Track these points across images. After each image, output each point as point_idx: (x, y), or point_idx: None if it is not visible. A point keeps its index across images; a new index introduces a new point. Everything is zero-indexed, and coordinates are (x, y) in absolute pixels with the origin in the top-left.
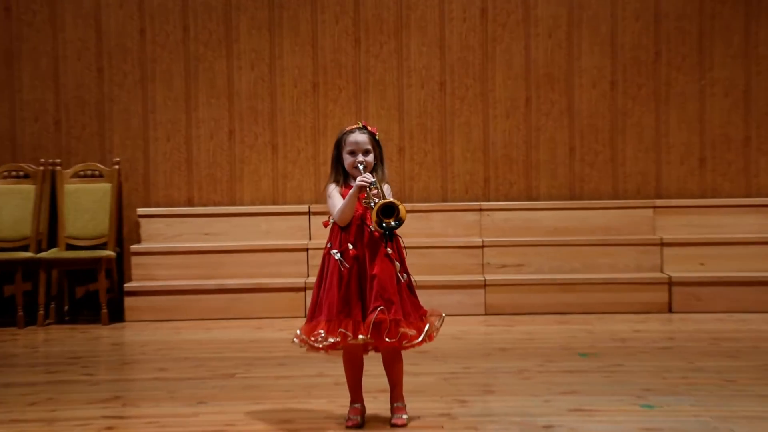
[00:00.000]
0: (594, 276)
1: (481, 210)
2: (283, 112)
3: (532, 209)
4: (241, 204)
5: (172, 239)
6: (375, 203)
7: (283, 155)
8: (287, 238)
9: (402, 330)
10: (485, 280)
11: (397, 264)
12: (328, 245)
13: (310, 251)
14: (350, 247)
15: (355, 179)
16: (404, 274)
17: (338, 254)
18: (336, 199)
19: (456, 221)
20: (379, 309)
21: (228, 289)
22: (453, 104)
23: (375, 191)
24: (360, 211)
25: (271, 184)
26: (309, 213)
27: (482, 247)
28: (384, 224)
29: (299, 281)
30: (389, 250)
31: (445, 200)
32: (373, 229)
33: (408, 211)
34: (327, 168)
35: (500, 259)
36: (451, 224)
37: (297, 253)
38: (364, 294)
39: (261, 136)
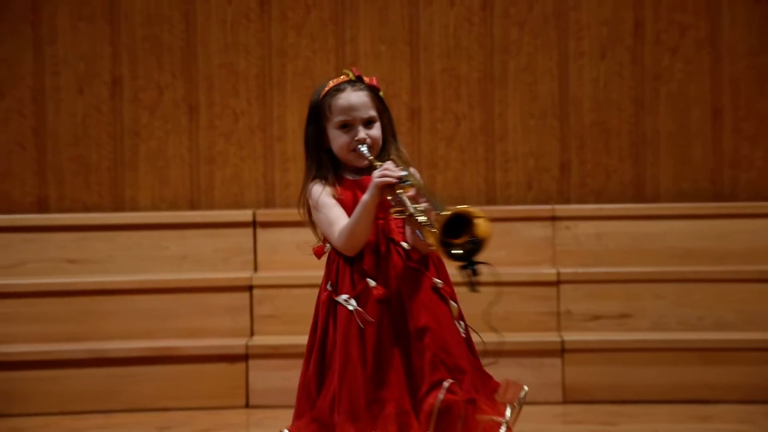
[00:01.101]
0: (761, 336)
1: (554, 219)
2: (207, 48)
3: (645, 217)
4: (134, 209)
5: (9, 271)
6: (422, 216)
7: (207, 123)
8: (216, 269)
9: (485, 418)
10: (563, 342)
11: (454, 305)
12: (328, 287)
13: (256, 291)
14: (372, 284)
15: (351, 170)
16: (461, 321)
17: (352, 301)
18: (332, 210)
19: (511, 239)
20: (445, 385)
21: (111, 359)
22: (506, 34)
23: (412, 191)
24: (381, 222)
25: (187, 175)
26: (254, 224)
27: (557, 283)
28: (456, 251)
29: (238, 344)
30: (439, 282)
31: (491, 202)
32: (426, 249)
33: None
34: (284, 145)
35: (589, 306)
36: (502, 244)
37: (233, 295)
38: (409, 361)
39: (169, 90)
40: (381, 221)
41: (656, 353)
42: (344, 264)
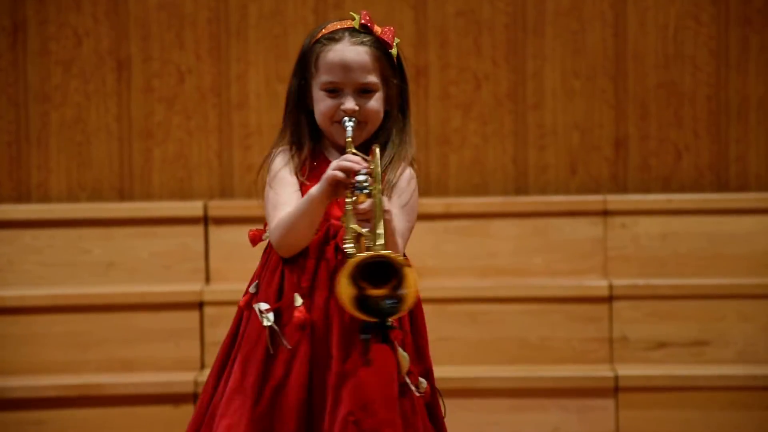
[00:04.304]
0: None
1: (606, 213)
2: None
3: (728, 212)
4: (44, 200)
5: None
6: (350, 243)
7: (143, 84)
8: (154, 280)
9: None
10: (617, 377)
11: (403, 355)
12: (252, 289)
13: (208, 309)
14: (299, 302)
15: (335, 147)
16: (419, 381)
17: (270, 315)
18: (285, 191)
19: (549, 240)
20: (349, 418)
21: (13, 402)
22: None
23: (366, 204)
24: (328, 226)
25: (114, 153)
26: (205, 220)
27: (610, 300)
28: (366, 303)
29: (184, 380)
30: (392, 324)
31: (522, 191)
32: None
33: (444, 216)
34: (246, 114)
35: (652, 330)
36: (537, 247)
37: (178, 315)
38: (321, 414)
39: (90, 39)
40: (336, 222)
41: (742, 393)
42: (278, 262)
